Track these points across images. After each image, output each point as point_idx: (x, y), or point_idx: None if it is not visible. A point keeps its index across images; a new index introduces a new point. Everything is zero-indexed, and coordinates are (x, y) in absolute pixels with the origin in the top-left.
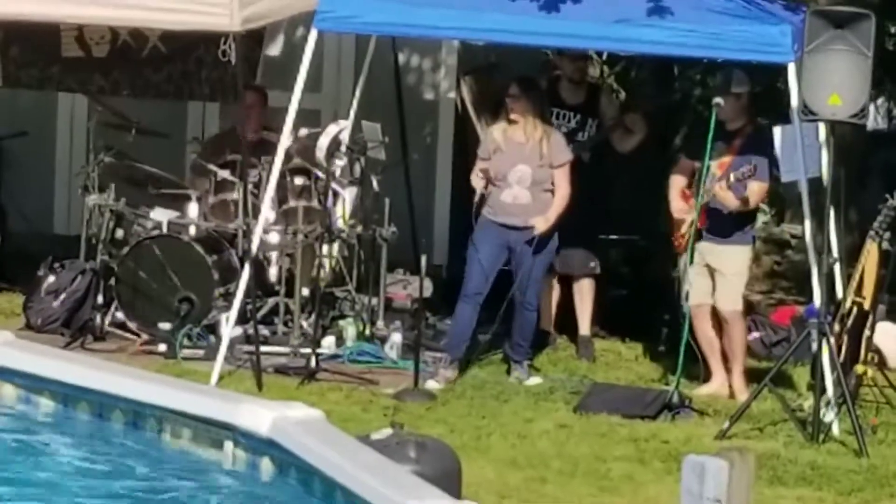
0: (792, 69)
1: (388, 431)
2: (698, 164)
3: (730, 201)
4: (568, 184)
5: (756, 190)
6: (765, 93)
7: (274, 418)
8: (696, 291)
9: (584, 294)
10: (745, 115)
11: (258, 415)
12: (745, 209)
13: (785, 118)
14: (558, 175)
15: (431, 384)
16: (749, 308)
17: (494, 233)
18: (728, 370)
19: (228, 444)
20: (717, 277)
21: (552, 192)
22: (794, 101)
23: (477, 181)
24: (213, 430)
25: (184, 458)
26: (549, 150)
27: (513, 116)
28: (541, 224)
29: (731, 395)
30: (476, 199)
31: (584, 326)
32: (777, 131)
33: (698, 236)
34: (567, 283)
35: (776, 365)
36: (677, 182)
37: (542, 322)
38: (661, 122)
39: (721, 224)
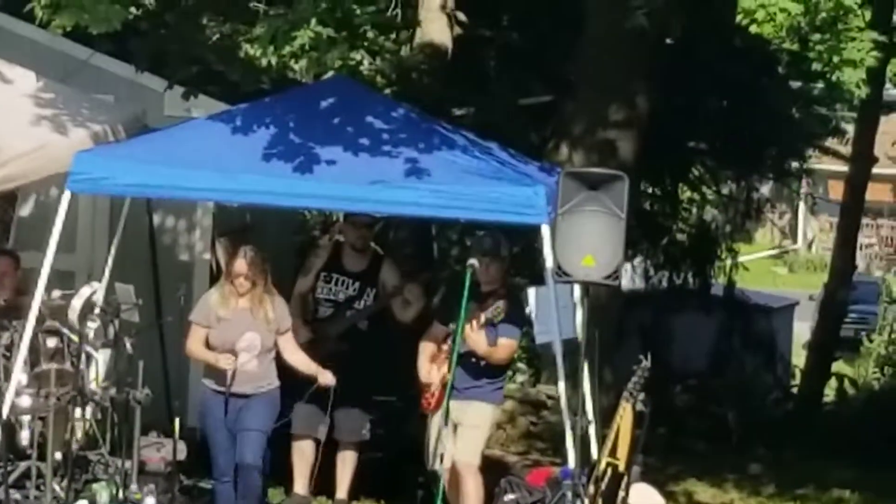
0: (546, 230)
1: None
2: (449, 328)
3: (480, 345)
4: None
5: (504, 343)
6: (521, 254)
7: None
8: (449, 453)
9: (348, 461)
10: (500, 277)
11: None
12: (493, 359)
13: (537, 279)
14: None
15: None
16: (504, 469)
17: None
18: None
19: None
20: (459, 430)
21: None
22: (549, 263)
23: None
24: None
25: None
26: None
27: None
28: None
29: None
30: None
31: (343, 490)
32: (531, 292)
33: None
34: (322, 444)
35: None
36: (426, 350)
37: (297, 486)
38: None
39: (468, 379)
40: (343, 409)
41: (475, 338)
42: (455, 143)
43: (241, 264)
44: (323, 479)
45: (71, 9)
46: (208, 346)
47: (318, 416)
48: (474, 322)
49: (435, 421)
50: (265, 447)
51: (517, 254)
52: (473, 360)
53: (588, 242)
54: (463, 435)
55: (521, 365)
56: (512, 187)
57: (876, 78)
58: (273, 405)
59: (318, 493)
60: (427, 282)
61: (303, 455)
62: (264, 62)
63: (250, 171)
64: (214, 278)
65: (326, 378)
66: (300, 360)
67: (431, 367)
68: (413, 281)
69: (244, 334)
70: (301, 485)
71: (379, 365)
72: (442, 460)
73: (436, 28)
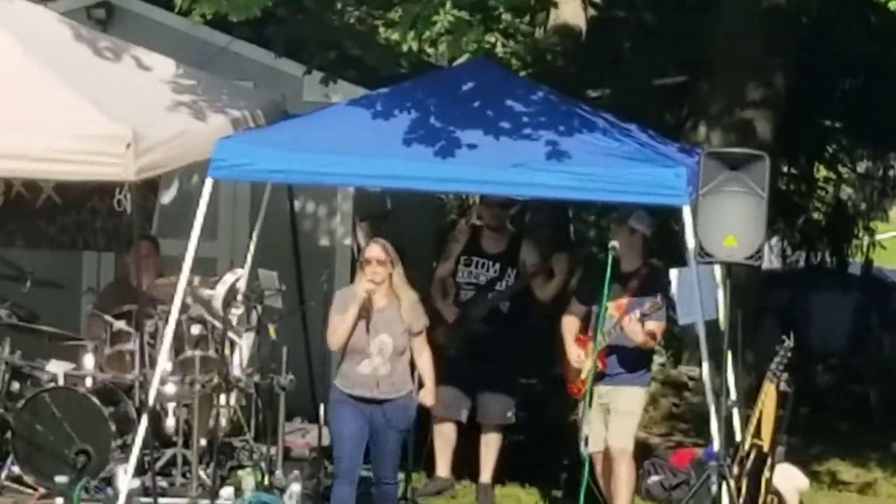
0: (687, 211)
1: None
2: (590, 308)
3: (637, 335)
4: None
5: (658, 326)
6: (658, 234)
7: None
8: (595, 437)
9: (492, 444)
10: (640, 257)
11: None
12: (649, 345)
13: (678, 260)
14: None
15: None
16: (648, 451)
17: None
18: None
19: None
20: (611, 416)
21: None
22: (690, 244)
23: None
24: None
25: None
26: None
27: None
28: (429, 399)
29: None
30: None
31: (487, 474)
32: (674, 274)
33: (598, 378)
34: (467, 428)
35: None
36: (570, 327)
37: (440, 468)
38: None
39: (618, 364)
40: (487, 392)
41: (633, 328)
42: (595, 125)
43: (374, 249)
44: (466, 462)
45: None
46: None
47: (461, 399)
48: (631, 316)
49: (584, 406)
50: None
51: (653, 235)
52: (626, 344)
53: (730, 223)
54: (616, 420)
55: (658, 348)
56: (653, 169)
57: None
58: (407, 412)
59: (461, 476)
60: (562, 260)
61: (446, 438)
62: (405, 47)
63: (391, 156)
64: (356, 263)
65: (426, 400)
66: (424, 366)
67: (580, 351)
68: (551, 256)
69: (376, 337)
70: (444, 467)
71: (521, 346)
72: (587, 443)
73: (570, 10)
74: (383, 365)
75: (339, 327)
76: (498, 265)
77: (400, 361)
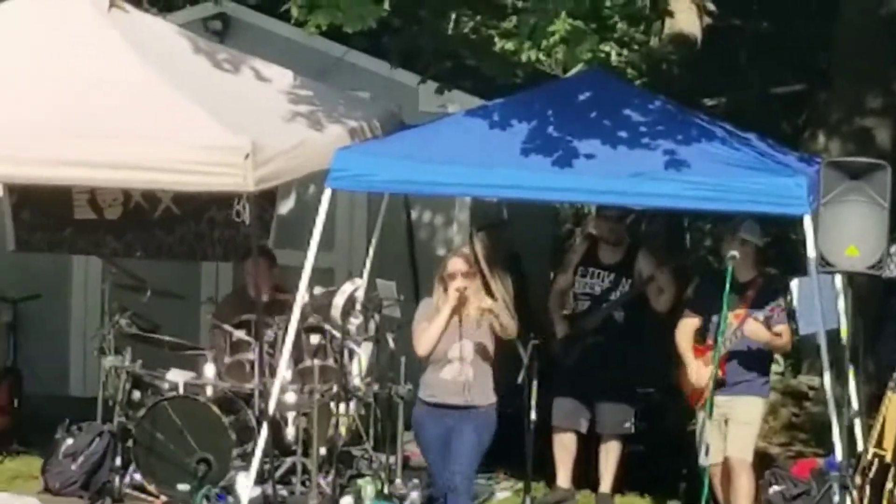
0: (808, 221)
1: None
2: (703, 319)
3: (762, 334)
4: None
5: (784, 329)
6: (775, 244)
7: None
8: (715, 449)
9: (612, 454)
10: (756, 267)
11: None
12: (776, 346)
13: (795, 270)
14: None
15: None
16: (768, 461)
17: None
18: None
19: None
20: (730, 426)
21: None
22: (811, 253)
23: None
24: None
25: None
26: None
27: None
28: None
29: None
30: None
31: (606, 484)
32: (794, 284)
33: (717, 386)
34: (586, 438)
35: None
36: (685, 338)
37: (560, 479)
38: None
39: (737, 373)
40: (605, 402)
41: (755, 328)
42: (713, 135)
43: (457, 262)
44: (585, 472)
45: (326, 8)
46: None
47: (580, 409)
48: (751, 320)
49: (702, 415)
50: (477, 467)
51: (769, 244)
52: (745, 351)
53: (851, 232)
54: (735, 431)
55: (777, 356)
56: (773, 178)
57: None
58: (488, 424)
59: (581, 486)
60: (678, 269)
61: (566, 448)
62: (524, 57)
63: (508, 166)
64: None
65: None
66: None
67: (699, 364)
68: (664, 267)
69: (460, 342)
70: (564, 478)
71: (637, 356)
72: (707, 454)
73: (685, 18)
74: (466, 370)
75: (428, 331)
76: (613, 275)
77: (482, 369)
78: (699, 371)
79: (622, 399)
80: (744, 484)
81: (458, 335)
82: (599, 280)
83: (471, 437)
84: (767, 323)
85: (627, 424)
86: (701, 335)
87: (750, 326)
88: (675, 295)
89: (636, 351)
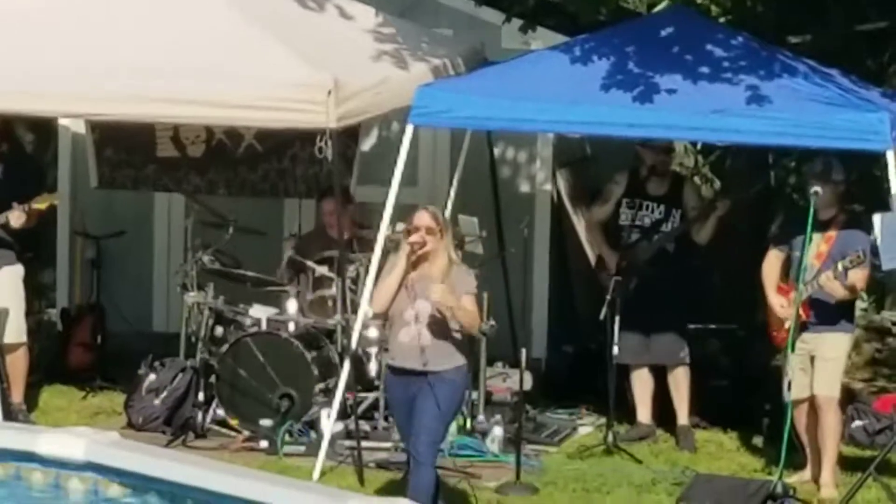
0: (891, 156)
1: None
2: (788, 253)
3: (837, 291)
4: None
5: (860, 277)
6: (859, 180)
7: None
8: (798, 385)
9: (679, 383)
10: (839, 204)
11: None
12: (851, 297)
13: (879, 206)
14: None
15: None
16: (851, 396)
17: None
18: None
19: None
20: (816, 363)
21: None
22: (894, 189)
23: None
24: None
25: None
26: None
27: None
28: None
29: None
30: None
31: (683, 416)
32: (877, 219)
33: (801, 328)
34: (661, 374)
35: (880, 453)
36: (770, 275)
37: (640, 415)
38: (756, 212)
39: (822, 313)
40: (660, 334)
41: (832, 286)
42: (796, 71)
43: (423, 217)
44: (667, 407)
45: None
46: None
47: (643, 343)
48: (830, 273)
49: (787, 353)
50: (442, 434)
51: (853, 181)
52: (826, 300)
53: None
54: (821, 368)
55: (862, 293)
56: (855, 114)
57: None
58: (451, 390)
59: (662, 422)
60: (741, 199)
61: (644, 383)
62: None
63: (590, 102)
64: (555, 210)
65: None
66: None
67: (783, 301)
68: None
69: (410, 303)
70: (644, 413)
71: (688, 287)
72: (790, 389)
73: None
74: (423, 333)
75: (380, 287)
76: (662, 206)
77: (441, 331)
78: (782, 309)
79: (675, 329)
80: (831, 421)
81: (414, 295)
82: (649, 212)
83: (430, 404)
84: (845, 273)
85: (683, 354)
86: (785, 272)
87: (825, 283)
88: (715, 228)
89: (688, 282)
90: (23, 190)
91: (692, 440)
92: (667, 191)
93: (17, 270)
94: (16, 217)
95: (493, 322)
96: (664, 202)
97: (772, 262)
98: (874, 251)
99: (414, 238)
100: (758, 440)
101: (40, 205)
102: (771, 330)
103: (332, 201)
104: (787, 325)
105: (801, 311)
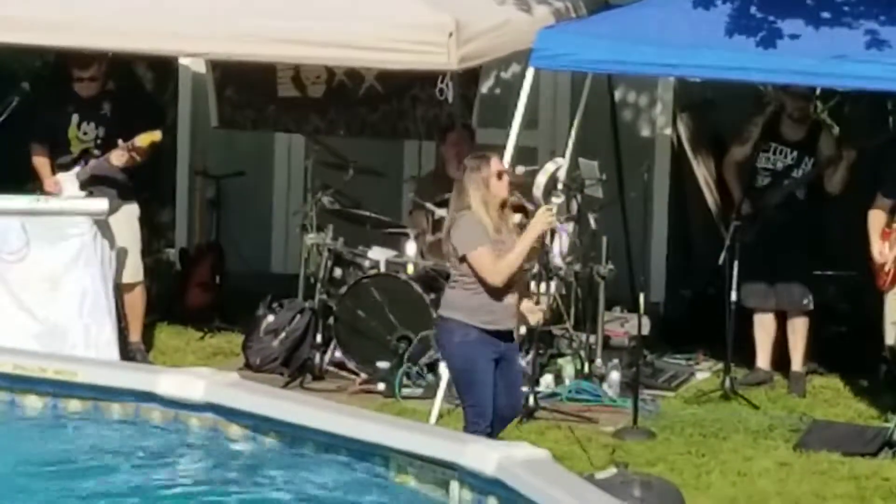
0: None
1: (612, 471)
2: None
3: None
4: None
5: None
6: None
7: (499, 458)
8: None
9: (798, 331)
10: None
11: (484, 455)
12: None
13: None
14: None
15: None
16: None
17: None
18: None
19: (454, 485)
20: None
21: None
22: None
23: None
24: (439, 471)
25: (410, 498)
26: None
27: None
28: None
29: None
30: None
31: (797, 363)
32: None
33: None
34: (781, 319)
35: None
36: (876, 221)
37: (760, 360)
38: (875, 159)
39: None
40: (784, 280)
41: None
42: None
43: (496, 161)
44: (785, 353)
45: None
46: None
47: (768, 288)
48: None
49: (891, 297)
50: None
51: None
52: None
53: None
54: None
55: None
56: None
57: None
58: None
59: (779, 367)
60: (865, 148)
61: (765, 329)
62: None
63: (712, 47)
64: (675, 155)
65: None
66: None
67: (883, 245)
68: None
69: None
70: (763, 359)
71: (817, 234)
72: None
73: None
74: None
75: (508, 259)
76: (796, 153)
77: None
78: (884, 252)
79: (800, 276)
80: None
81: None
82: (782, 157)
83: (519, 365)
84: None
85: (806, 301)
86: (891, 215)
87: None
88: (846, 177)
89: (817, 228)
90: (136, 128)
91: (803, 386)
92: (802, 137)
93: (133, 210)
94: (118, 156)
95: (611, 266)
96: (798, 148)
97: (879, 209)
98: None
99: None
100: (874, 386)
101: (142, 142)
102: (876, 276)
103: (455, 134)
104: (886, 269)
105: None
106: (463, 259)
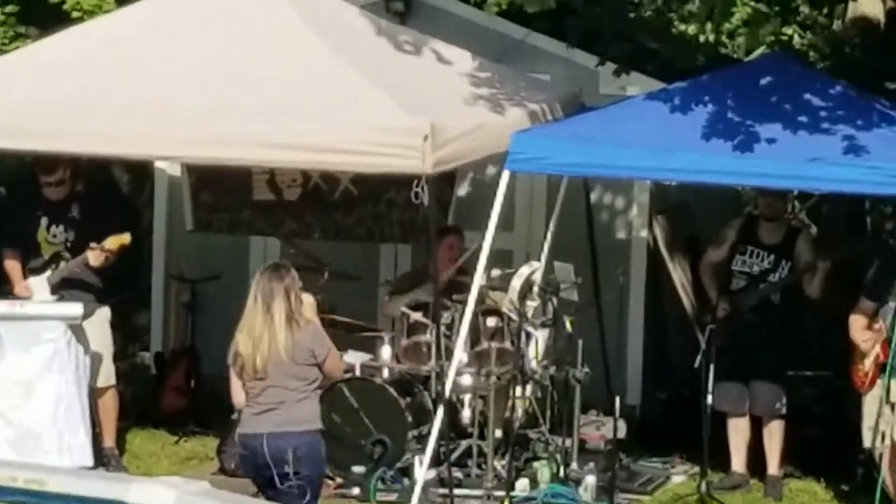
0: None
1: None
2: (879, 305)
3: None
4: None
5: None
6: None
7: None
8: (889, 432)
9: (773, 435)
10: None
11: None
12: None
13: None
14: None
15: None
16: None
17: None
18: None
19: None
20: None
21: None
22: None
23: None
24: None
25: None
26: None
27: None
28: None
29: None
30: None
31: (773, 466)
32: None
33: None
34: (757, 423)
35: None
36: (858, 322)
37: (735, 464)
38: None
39: None
40: (758, 382)
41: None
42: (894, 119)
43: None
44: (760, 457)
45: None
46: None
47: (742, 392)
48: None
49: (869, 399)
50: None
51: None
52: None
53: None
54: None
55: None
56: None
57: None
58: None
59: (756, 471)
60: (843, 257)
61: (740, 433)
62: (702, 38)
63: (689, 150)
64: (652, 256)
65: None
66: None
67: (868, 334)
68: (825, 254)
69: None
70: (739, 463)
71: (791, 338)
72: (884, 439)
73: (868, 1)
74: None
75: None
76: (773, 256)
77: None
78: (864, 343)
79: (774, 380)
80: None
81: None
82: (759, 260)
83: None
84: None
85: (779, 405)
86: (872, 318)
87: None
88: (823, 282)
89: (791, 333)
90: (107, 230)
91: (780, 489)
92: (779, 241)
93: (105, 313)
94: (95, 256)
95: (587, 369)
96: (775, 252)
97: (861, 312)
98: None
99: None
100: (852, 490)
101: (111, 245)
102: (853, 372)
103: (452, 237)
104: (866, 369)
105: (880, 351)
106: None
